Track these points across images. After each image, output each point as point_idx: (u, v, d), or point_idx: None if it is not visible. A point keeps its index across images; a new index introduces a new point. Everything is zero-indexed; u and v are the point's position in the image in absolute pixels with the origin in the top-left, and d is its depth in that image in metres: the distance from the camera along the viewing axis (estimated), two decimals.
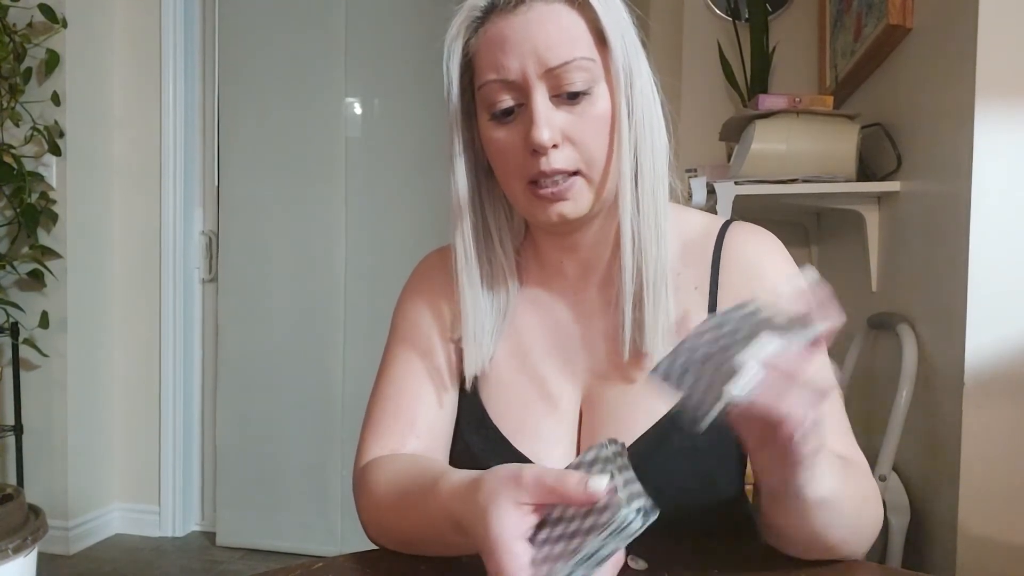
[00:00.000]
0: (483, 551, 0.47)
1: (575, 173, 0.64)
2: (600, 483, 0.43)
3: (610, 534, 0.42)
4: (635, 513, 0.42)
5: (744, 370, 0.41)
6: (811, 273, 0.44)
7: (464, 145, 0.70)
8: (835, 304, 0.44)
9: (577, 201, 0.65)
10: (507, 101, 0.64)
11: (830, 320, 0.44)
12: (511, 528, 0.46)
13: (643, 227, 0.66)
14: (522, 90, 0.63)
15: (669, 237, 0.68)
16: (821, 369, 0.44)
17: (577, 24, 0.63)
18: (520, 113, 0.64)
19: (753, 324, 0.45)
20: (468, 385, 0.73)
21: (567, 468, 0.48)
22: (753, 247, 0.71)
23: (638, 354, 0.67)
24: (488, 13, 0.65)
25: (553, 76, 0.62)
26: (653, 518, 0.43)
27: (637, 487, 0.44)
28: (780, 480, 0.51)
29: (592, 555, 0.42)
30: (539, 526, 0.47)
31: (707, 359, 0.44)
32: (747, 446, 0.51)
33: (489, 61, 0.64)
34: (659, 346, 0.66)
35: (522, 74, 0.62)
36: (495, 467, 0.50)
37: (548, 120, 0.62)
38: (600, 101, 0.64)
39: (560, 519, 0.46)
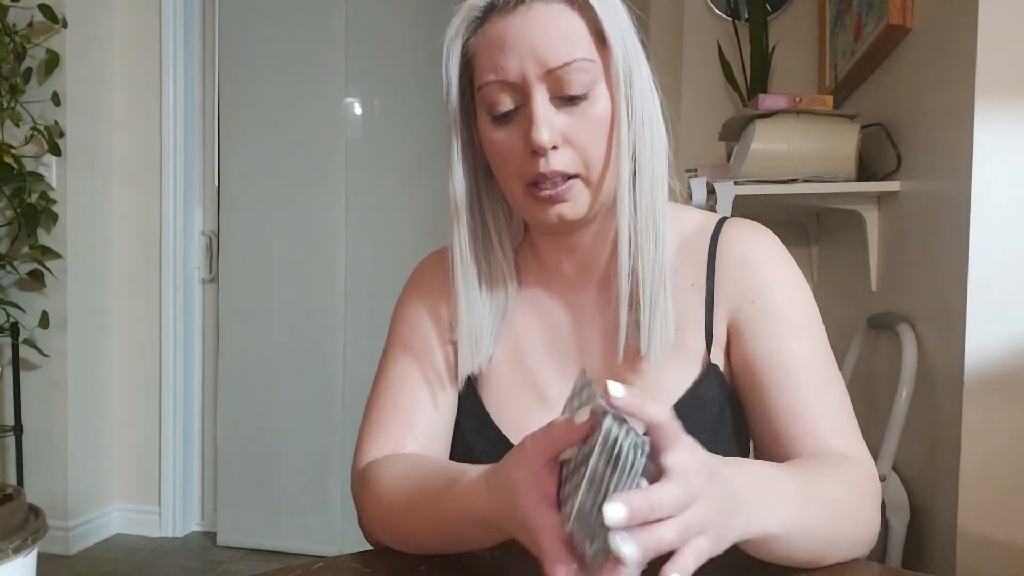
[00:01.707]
0: (520, 533, 0.47)
1: (574, 176, 0.64)
2: (583, 414, 0.44)
3: (601, 454, 0.42)
4: (615, 426, 0.42)
5: (621, 547, 0.41)
6: (615, 387, 0.43)
7: (463, 146, 0.70)
8: (645, 402, 0.43)
9: (576, 202, 0.65)
10: (506, 102, 0.64)
11: (649, 421, 0.43)
12: (536, 504, 0.46)
13: (641, 228, 0.66)
14: (522, 91, 0.63)
15: (668, 238, 0.68)
16: (678, 477, 0.43)
17: (577, 25, 0.63)
18: (519, 114, 0.64)
19: (602, 466, 0.44)
20: (463, 386, 0.73)
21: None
22: (748, 242, 0.71)
23: (635, 354, 0.67)
24: (487, 13, 0.65)
25: (553, 77, 0.62)
26: (637, 437, 0.42)
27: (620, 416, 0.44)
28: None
29: (598, 482, 0.42)
30: (560, 486, 0.47)
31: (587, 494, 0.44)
32: None
33: (488, 62, 0.64)
34: (655, 347, 0.66)
35: (521, 75, 0.62)
36: (504, 458, 0.51)
37: (548, 121, 0.62)
38: (600, 102, 0.64)
39: (568, 463, 0.46)
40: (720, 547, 0.46)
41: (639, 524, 0.41)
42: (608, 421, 0.42)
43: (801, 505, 0.54)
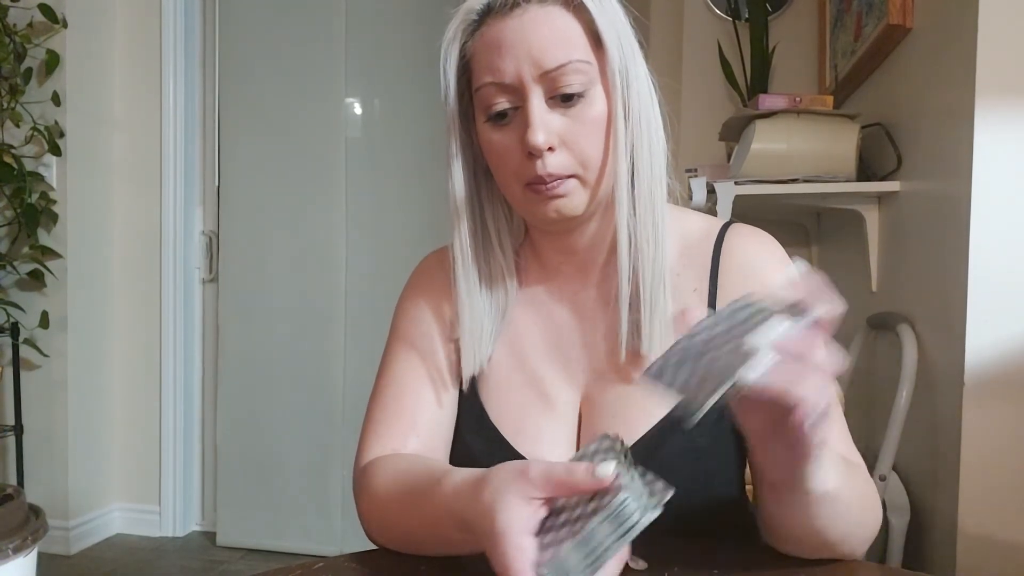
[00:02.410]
0: (488, 548, 0.47)
1: (571, 176, 0.65)
2: (607, 468, 0.43)
3: (608, 519, 0.42)
4: (633, 500, 0.42)
5: (758, 354, 0.40)
6: (802, 265, 0.44)
7: (462, 147, 0.70)
8: (831, 290, 0.44)
9: (573, 199, 0.65)
10: (503, 104, 0.64)
11: (829, 305, 0.44)
12: (517, 524, 0.46)
13: (639, 228, 0.66)
14: (518, 93, 0.63)
15: (668, 238, 0.68)
16: (828, 354, 0.44)
17: (572, 26, 0.63)
18: (517, 116, 0.64)
19: (749, 314, 0.44)
20: (466, 386, 0.73)
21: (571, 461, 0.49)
22: (752, 249, 0.71)
23: (636, 355, 0.67)
24: (484, 16, 0.65)
25: (549, 79, 0.62)
26: (653, 512, 0.42)
27: (642, 481, 0.44)
28: (787, 473, 0.50)
29: (594, 547, 0.42)
30: (544, 519, 0.47)
31: (702, 355, 0.43)
32: (752, 438, 0.50)
33: (485, 64, 0.64)
34: (656, 347, 0.66)
35: (518, 77, 0.63)
36: (499, 464, 0.50)
37: (544, 123, 0.62)
38: (596, 103, 0.64)
39: (564, 508, 0.46)
40: (818, 458, 0.47)
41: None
42: (625, 493, 0.42)
43: (846, 476, 0.55)
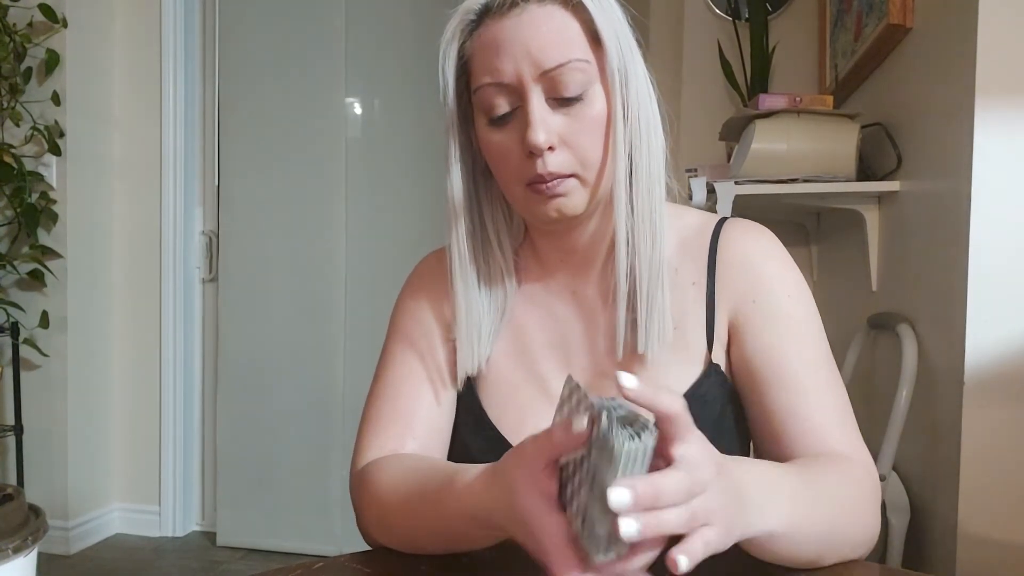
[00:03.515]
0: (520, 534, 0.47)
1: (571, 176, 0.65)
2: (580, 422, 0.43)
3: (602, 455, 0.42)
4: (612, 425, 0.42)
5: (622, 524, 0.41)
6: (627, 378, 0.43)
7: (461, 147, 0.70)
8: (656, 393, 0.43)
9: (572, 198, 0.65)
10: (503, 104, 0.64)
11: (652, 426, 0.43)
12: (540, 503, 0.46)
13: (637, 227, 0.66)
14: (518, 93, 0.63)
15: (666, 237, 0.68)
16: (674, 482, 0.43)
17: (571, 26, 0.63)
18: (516, 116, 0.64)
19: (594, 455, 0.44)
20: (462, 385, 0.73)
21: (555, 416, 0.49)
22: (749, 242, 0.71)
23: (634, 353, 0.68)
24: (482, 16, 0.65)
25: (548, 78, 0.62)
26: (633, 438, 0.42)
27: (621, 415, 0.43)
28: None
29: (603, 486, 0.42)
30: (561, 489, 0.47)
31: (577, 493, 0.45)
32: None
33: (484, 64, 0.64)
34: (654, 345, 0.66)
35: (517, 77, 0.63)
36: (503, 457, 0.50)
37: (544, 122, 0.62)
38: (595, 103, 0.64)
39: (573, 472, 0.46)
40: (727, 541, 0.46)
41: (644, 509, 0.41)
42: (604, 423, 0.42)
43: (805, 504, 0.55)
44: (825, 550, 0.58)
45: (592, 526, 0.43)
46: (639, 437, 0.42)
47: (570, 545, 0.44)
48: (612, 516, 0.41)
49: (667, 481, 0.42)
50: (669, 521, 0.42)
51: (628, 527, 0.40)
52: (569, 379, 0.47)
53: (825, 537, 0.57)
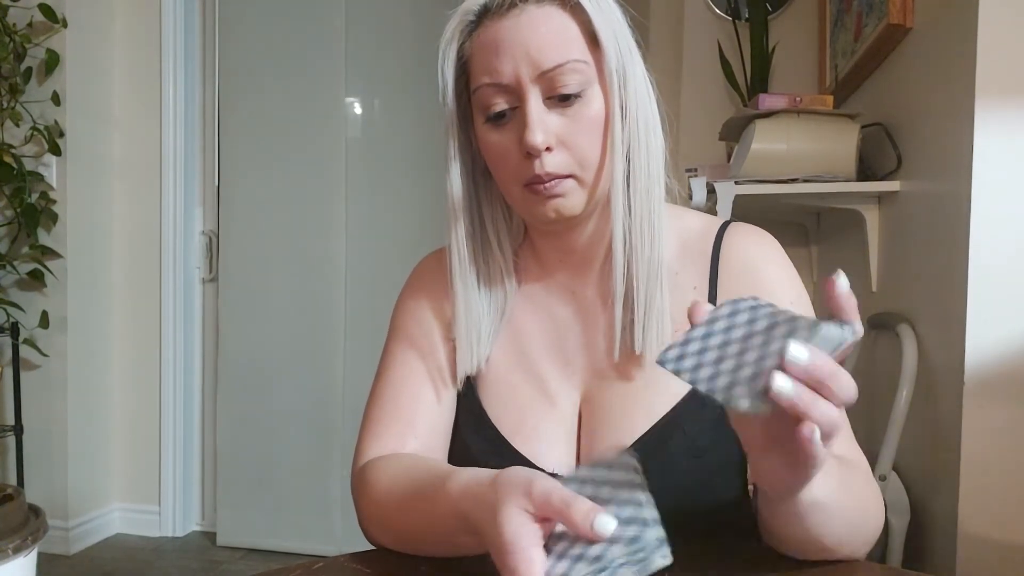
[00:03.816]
0: (496, 552, 0.47)
1: (569, 176, 0.65)
2: (607, 525, 0.43)
3: (625, 546, 0.42)
4: (651, 538, 0.42)
5: (777, 376, 0.40)
6: (844, 280, 0.43)
7: (460, 148, 0.70)
8: (858, 316, 0.44)
9: (570, 198, 0.66)
10: (501, 104, 0.64)
11: (858, 329, 0.44)
12: (526, 536, 0.45)
13: (635, 228, 0.66)
14: (516, 93, 0.63)
15: (665, 238, 0.68)
16: (848, 381, 0.44)
17: (569, 26, 0.63)
18: (515, 116, 0.64)
19: (772, 317, 0.44)
20: (462, 385, 0.73)
21: (577, 473, 0.48)
22: (752, 248, 0.71)
23: (631, 354, 0.68)
24: (481, 17, 0.65)
25: (546, 79, 0.62)
26: (663, 551, 0.42)
27: (653, 526, 0.43)
28: (779, 484, 0.50)
29: (609, 572, 0.42)
30: (552, 537, 0.46)
31: (727, 344, 0.43)
32: (748, 447, 0.50)
33: (483, 65, 0.64)
34: (651, 346, 0.66)
35: (515, 77, 0.63)
36: (509, 469, 0.50)
37: (542, 123, 0.63)
38: (594, 103, 0.64)
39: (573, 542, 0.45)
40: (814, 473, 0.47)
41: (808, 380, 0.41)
42: (651, 536, 0.42)
43: (839, 482, 0.55)
44: (847, 535, 0.58)
45: None
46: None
47: None
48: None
49: (843, 374, 0.43)
50: (821, 409, 0.42)
51: (783, 384, 0.40)
52: (629, 454, 0.46)
53: (851, 521, 0.58)
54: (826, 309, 0.45)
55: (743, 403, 0.41)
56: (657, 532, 0.42)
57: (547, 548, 0.46)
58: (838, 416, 0.43)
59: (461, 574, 0.59)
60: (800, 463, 0.46)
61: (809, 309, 0.70)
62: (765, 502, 0.55)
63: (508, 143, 0.65)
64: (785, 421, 0.44)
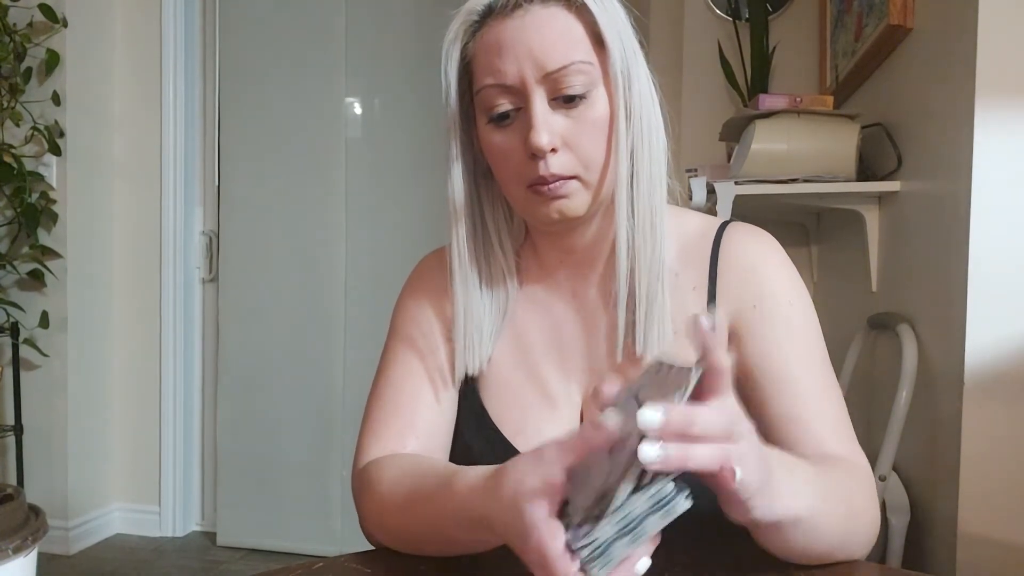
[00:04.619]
0: (519, 542, 0.46)
1: (573, 177, 0.65)
2: (609, 417, 0.42)
3: (646, 496, 0.42)
4: (674, 483, 0.41)
5: (641, 449, 0.40)
6: (708, 319, 0.43)
7: (462, 148, 0.70)
8: (719, 345, 0.43)
9: (574, 199, 0.65)
10: (505, 105, 0.64)
11: (712, 358, 0.43)
12: (545, 512, 0.45)
13: (638, 229, 0.66)
14: (520, 94, 0.63)
15: (666, 239, 0.68)
16: (713, 417, 0.43)
17: (574, 27, 0.63)
18: (518, 117, 0.64)
19: (637, 392, 0.44)
20: (461, 385, 0.73)
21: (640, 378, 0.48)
22: (751, 247, 0.71)
23: (633, 355, 0.67)
24: (485, 17, 0.65)
25: (551, 80, 0.62)
26: (685, 493, 0.42)
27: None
28: (739, 518, 0.50)
29: (634, 525, 0.41)
30: (568, 504, 0.46)
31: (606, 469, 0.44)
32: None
33: (487, 65, 0.64)
34: (653, 347, 0.66)
35: (520, 78, 0.62)
36: (512, 459, 0.50)
37: (546, 124, 0.62)
38: (598, 104, 0.64)
39: (586, 483, 0.45)
40: (761, 494, 0.46)
41: (674, 437, 0.40)
42: (666, 480, 0.41)
43: (823, 493, 0.55)
44: (838, 544, 0.58)
45: (600, 561, 0.42)
46: (679, 487, 0.42)
47: (568, 555, 0.44)
48: (630, 544, 0.41)
49: (703, 412, 0.41)
50: (698, 454, 0.41)
51: (649, 452, 0.39)
52: (658, 361, 0.46)
53: (840, 531, 0.57)
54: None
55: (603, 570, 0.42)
56: (677, 481, 0.42)
57: (563, 517, 0.46)
58: (731, 450, 0.43)
59: (461, 574, 0.59)
60: (734, 503, 0.47)
61: (808, 310, 0.70)
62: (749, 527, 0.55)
63: (512, 144, 0.65)
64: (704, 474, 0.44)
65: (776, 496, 0.49)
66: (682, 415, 0.41)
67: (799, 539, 0.54)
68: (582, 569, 0.43)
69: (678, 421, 0.40)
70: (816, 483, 0.55)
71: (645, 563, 0.43)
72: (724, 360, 0.43)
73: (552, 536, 0.44)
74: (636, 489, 0.42)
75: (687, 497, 0.42)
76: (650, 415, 0.39)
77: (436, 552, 0.61)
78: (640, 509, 0.42)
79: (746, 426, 0.45)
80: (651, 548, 0.44)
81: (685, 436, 0.41)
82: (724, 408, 0.43)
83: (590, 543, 0.43)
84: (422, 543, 0.61)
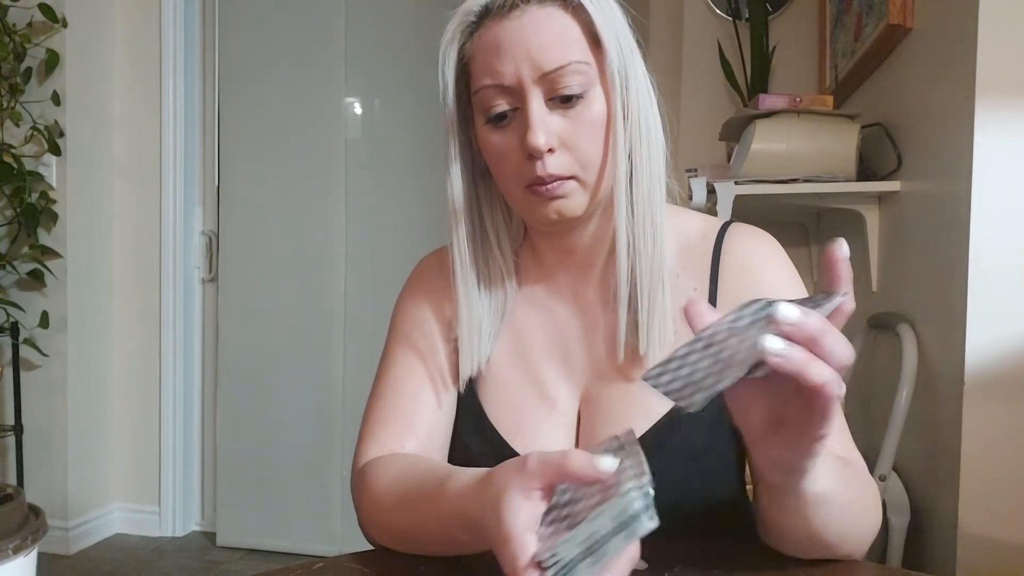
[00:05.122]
0: (495, 547, 0.47)
1: (570, 178, 0.65)
2: (609, 462, 0.43)
3: (608, 511, 0.42)
4: (637, 491, 0.41)
5: (767, 337, 0.39)
6: (844, 248, 0.43)
7: (461, 148, 0.70)
8: (851, 285, 0.43)
9: (572, 200, 0.65)
10: (503, 105, 0.64)
11: (849, 296, 0.43)
12: (522, 522, 0.46)
13: (638, 229, 0.66)
14: (517, 94, 0.63)
15: (666, 238, 0.68)
16: (842, 342, 0.42)
17: (571, 27, 0.63)
18: (516, 117, 0.64)
19: (757, 309, 0.43)
20: (463, 387, 0.73)
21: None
22: (752, 249, 0.71)
23: (634, 354, 0.68)
24: (482, 18, 0.65)
25: (548, 80, 0.62)
26: (650, 513, 0.42)
27: (645, 476, 0.43)
28: (784, 472, 0.49)
29: (595, 541, 0.42)
30: (548, 512, 0.47)
31: (707, 349, 0.43)
32: (750, 437, 0.49)
33: (484, 66, 0.64)
34: (654, 346, 0.66)
35: (517, 79, 0.63)
36: (503, 463, 0.50)
37: (544, 124, 0.62)
38: (595, 104, 0.64)
39: (568, 503, 0.46)
40: (817, 454, 0.46)
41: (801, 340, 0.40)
42: (635, 494, 0.41)
43: (841, 477, 0.55)
44: (849, 531, 0.58)
45: (561, 562, 0.42)
46: (648, 514, 0.41)
47: (533, 567, 0.44)
48: (591, 565, 0.41)
49: (835, 332, 0.41)
50: (815, 368, 0.40)
51: (774, 344, 0.39)
52: (621, 436, 0.47)
53: (852, 516, 0.58)
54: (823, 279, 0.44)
55: (698, 399, 0.41)
56: (643, 497, 0.42)
57: (545, 524, 0.46)
58: (836, 380, 0.42)
59: (461, 574, 0.59)
60: (805, 438, 0.45)
61: None
62: (770, 497, 0.55)
63: (509, 144, 0.65)
64: (783, 397, 0.44)
65: (818, 465, 0.49)
66: (819, 322, 0.40)
67: (816, 518, 0.54)
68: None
69: (814, 326, 0.40)
70: (837, 467, 0.55)
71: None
72: (851, 303, 0.44)
73: (522, 549, 0.44)
74: (605, 506, 0.42)
75: (651, 518, 0.41)
76: (788, 309, 0.39)
77: (434, 551, 0.61)
78: (605, 529, 0.42)
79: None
80: (620, 570, 0.44)
81: (813, 342, 0.41)
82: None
83: (555, 563, 0.43)
84: (421, 542, 0.61)
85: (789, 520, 0.55)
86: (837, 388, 0.41)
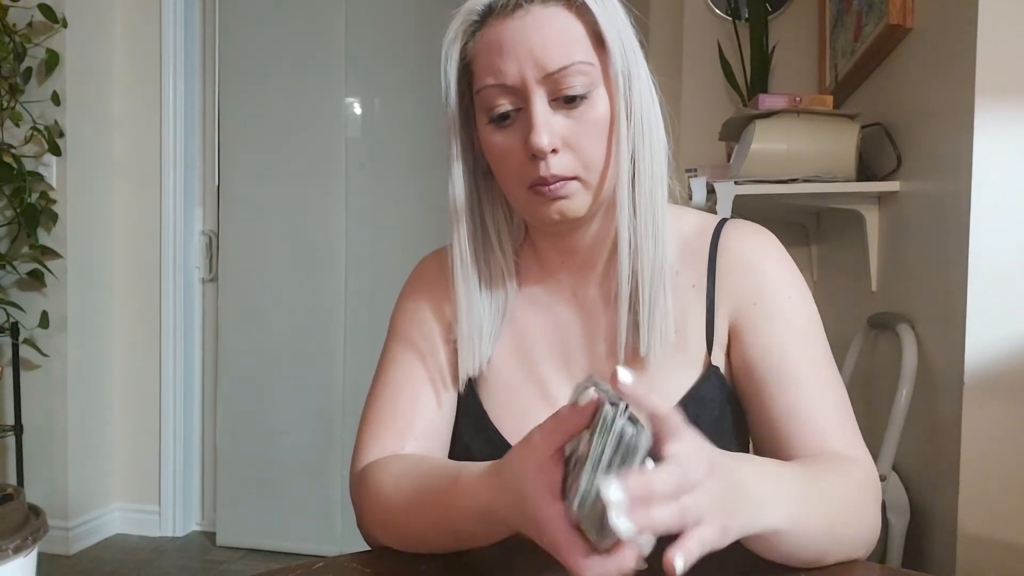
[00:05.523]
0: (532, 527, 0.47)
1: (573, 178, 0.64)
2: (585, 397, 0.44)
3: (603, 437, 0.43)
4: (613, 408, 0.43)
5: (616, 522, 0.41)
6: (624, 374, 0.43)
7: (462, 148, 0.70)
8: (647, 394, 0.44)
9: (575, 200, 0.65)
10: (505, 105, 0.64)
11: (650, 413, 0.44)
12: (548, 494, 0.46)
13: (640, 229, 0.66)
14: (521, 95, 0.63)
15: (668, 239, 0.68)
16: (665, 479, 0.43)
17: (575, 27, 0.63)
18: (519, 117, 0.64)
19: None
20: (463, 387, 0.73)
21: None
22: (750, 244, 0.71)
23: (635, 355, 0.67)
24: (485, 17, 0.65)
25: (551, 80, 0.62)
26: (636, 425, 0.43)
27: (622, 403, 0.44)
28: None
29: (604, 469, 0.43)
30: (564, 479, 0.48)
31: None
32: None
33: (487, 66, 0.64)
34: (655, 348, 0.66)
35: (520, 79, 0.62)
36: (509, 452, 0.51)
37: (547, 125, 0.62)
38: (599, 104, 0.64)
39: (576, 461, 0.47)
40: (724, 539, 0.46)
41: (636, 506, 0.41)
42: (608, 406, 0.43)
43: (806, 502, 0.55)
44: (828, 549, 0.58)
45: (591, 511, 0.43)
46: (636, 426, 0.43)
47: (576, 532, 0.44)
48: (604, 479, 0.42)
49: (657, 477, 0.42)
50: (659, 518, 0.42)
51: (624, 525, 0.41)
52: (589, 376, 0.48)
53: (828, 536, 0.57)
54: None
55: (609, 539, 0.43)
56: (623, 415, 0.44)
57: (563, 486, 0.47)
58: (688, 506, 0.43)
59: (461, 574, 0.59)
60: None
61: (809, 305, 0.70)
62: None
63: (512, 144, 0.65)
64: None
65: (750, 517, 0.49)
66: (639, 485, 0.41)
67: (784, 547, 0.55)
68: (590, 539, 0.44)
69: (636, 491, 0.41)
70: (803, 492, 0.55)
71: (649, 540, 0.44)
72: (661, 406, 0.44)
73: (560, 520, 0.45)
74: (597, 436, 0.44)
75: (647, 438, 0.43)
76: (614, 492, 0.40)
77: (441, 548, 0.61)
78: (607, 455, 0.43)
79: (701, 469, 0.44)
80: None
81: (648, 500, 0.41)
82: (678, 460, 0.43)
83: (579, 507, 0.44)
84: (428, 540, 0.61)
85: (759, 550, 0.56)
86: (686, 518, 0.43)
